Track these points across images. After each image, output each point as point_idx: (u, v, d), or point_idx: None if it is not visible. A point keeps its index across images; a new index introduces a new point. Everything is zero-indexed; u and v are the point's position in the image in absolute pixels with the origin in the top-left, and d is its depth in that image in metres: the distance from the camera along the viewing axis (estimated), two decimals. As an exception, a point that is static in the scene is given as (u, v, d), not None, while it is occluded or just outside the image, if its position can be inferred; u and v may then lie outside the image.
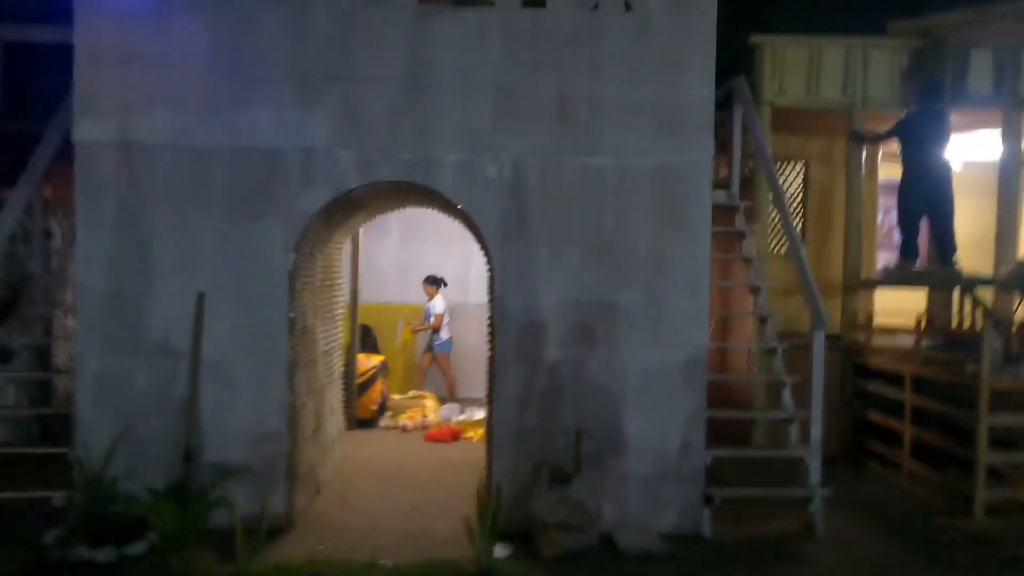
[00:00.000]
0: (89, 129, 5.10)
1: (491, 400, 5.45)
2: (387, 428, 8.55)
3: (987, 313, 5.99)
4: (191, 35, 5.12)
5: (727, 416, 5.93)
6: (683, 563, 4.80)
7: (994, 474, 5.82)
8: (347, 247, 8.11)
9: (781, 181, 7.50)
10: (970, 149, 7.71)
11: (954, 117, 6.98)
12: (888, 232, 9.17)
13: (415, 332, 9.83)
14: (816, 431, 5.33)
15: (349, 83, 5.19)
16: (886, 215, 8.74)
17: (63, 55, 5.27)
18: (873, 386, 7.03)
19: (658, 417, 5.29)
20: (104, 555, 4.46)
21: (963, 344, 6.27)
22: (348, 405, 8.12)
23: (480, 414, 8.66)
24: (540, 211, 5.27)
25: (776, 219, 7.38)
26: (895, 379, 6.71)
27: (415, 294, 10.18)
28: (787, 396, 5.67)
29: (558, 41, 5.24)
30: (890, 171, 8.21)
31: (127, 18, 5.09)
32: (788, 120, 7.49)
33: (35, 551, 4.61)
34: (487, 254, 5.43)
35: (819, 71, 7.32)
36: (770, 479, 5.69)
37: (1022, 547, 5.08)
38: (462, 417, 8.82)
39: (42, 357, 6.93)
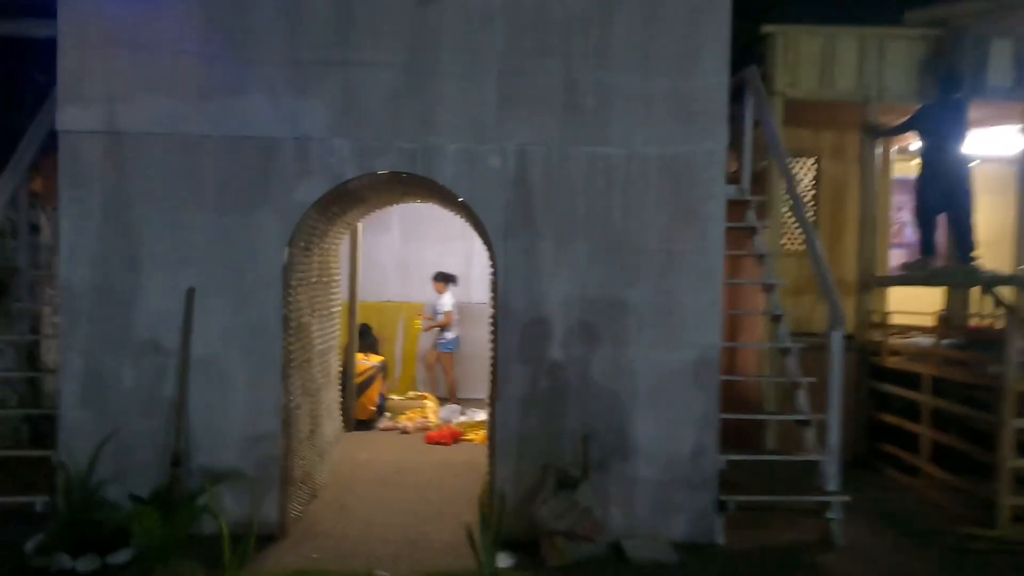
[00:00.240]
0: (73, 117, 4.87)
1: (493, 401, 5.22)
2: (386, 430, 8.33)
3: (1011, 311, 5.75)
4: (181, 17, 4.89)
5: (740, 418, 5.70)
6: (695, 573, 4.57)
7: (1019, 480, 5.58)
8: (346, 243, 7.90)
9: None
10: (988, 145, 7.47)
11: (972, 111, 6.74)
12: (898, 229, 8.96)
13: (425, 330, 9.62)
14: (834, 435, 5.11)
15: (347, 69, 4.97)
16: (896, 212, 8.52)
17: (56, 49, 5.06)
18: (888, 387, 6.80)
19: (668, 419, 5.07)
20: (85, 564, 4.25)
21: (984, 344, 6.04)
22: (346, 406, 7.90)
23: (481, 415, 8.47)
24: (545, 203, 5.05)
25: (787, 215, 7.17)
26: (910, 379, 6.49)
27: (416, 292, 10.02)
28: (802, 398, 5.44)
29: (565, 25, 5.01)
30: (901, 167, 8.01)
31: None
32: (800, 114, 7.27)
33: (16, 558, 4.40)
34: (489, 249, 5.20)
35: (833, 62, 7.10)
36: (780, 484, 5.48)
37: (1050, 557, 4.86)
38: (463, 418, 8.62)
39: (31, 355, 6.74)
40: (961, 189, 6.62)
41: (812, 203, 7.90)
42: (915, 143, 7.18)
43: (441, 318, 9.25)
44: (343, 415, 7.67)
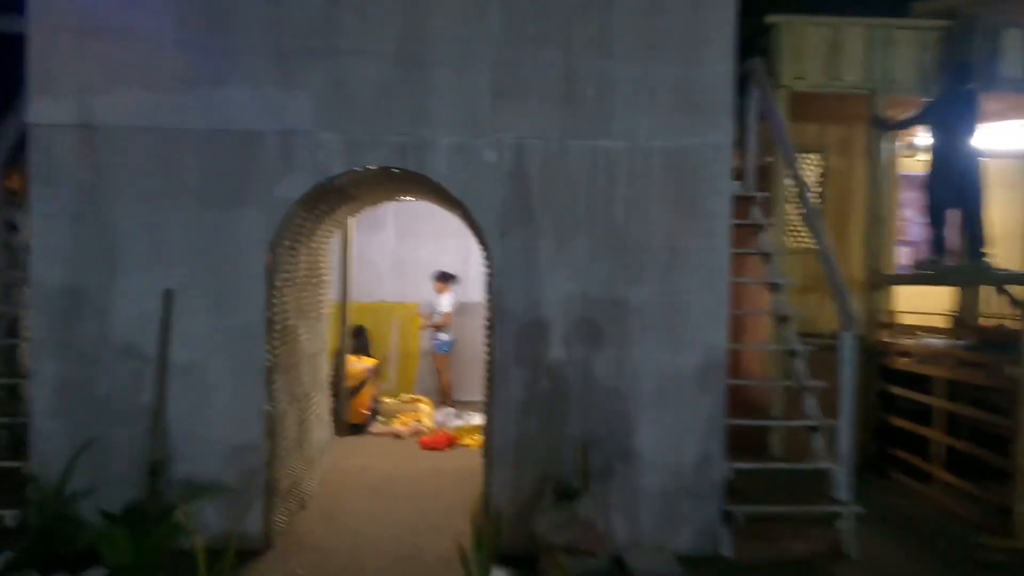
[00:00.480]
0: (45, 110, 4.62)
1: (490, 407, 4.98)
2: (379, 434, 8.08)
3: (1028, 311, 5.54)
4: (158, 4, 4.64)
5: (747, 424, 5.46)
6: (702, 588, 4.35)
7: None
8: (337, 242, 7.65)
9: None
10: (1000, 138, 7.25)
11: (984, 104, 6.52)
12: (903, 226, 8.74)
13: (423, 328, 9.39)
14: (845, 442, 4.89)
15: (334, 58, 4.72)
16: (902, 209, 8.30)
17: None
18: (898, 390, 6.58)
19: (673, 426, 4.83)
20: (55, 582, 4.00)
21: (999, 344, 5.82)
22: (337, 411, 7.65)
23: (478, 419, 8.22)
24: (544, 199, 4.81)
25: (792, 211, 6.95)
26: (921, 381, 6.26)
27: (412, 292, 9.78)
28: (811, 402, 5.22)
29: (564, 12, 4.77)
30: (906, 163, 7.78)
31: (87, -15, 4.62)
32: (805, 108, 7.05)
33: (-16, 576, 4.16)
34: (485, 247, 4.95)
35: (840, 54, 6.87)
36: (788, 491, 5.25)
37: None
38: (459, 422, 8.38)
39: (8, 360, 6.47)
40: (972, 184, 6.40)
41: (818, 199, 7.67)
42: (921, 138, 6.96)
43: (438, 318, 9.02)
44: (334, 420, 7.42)
